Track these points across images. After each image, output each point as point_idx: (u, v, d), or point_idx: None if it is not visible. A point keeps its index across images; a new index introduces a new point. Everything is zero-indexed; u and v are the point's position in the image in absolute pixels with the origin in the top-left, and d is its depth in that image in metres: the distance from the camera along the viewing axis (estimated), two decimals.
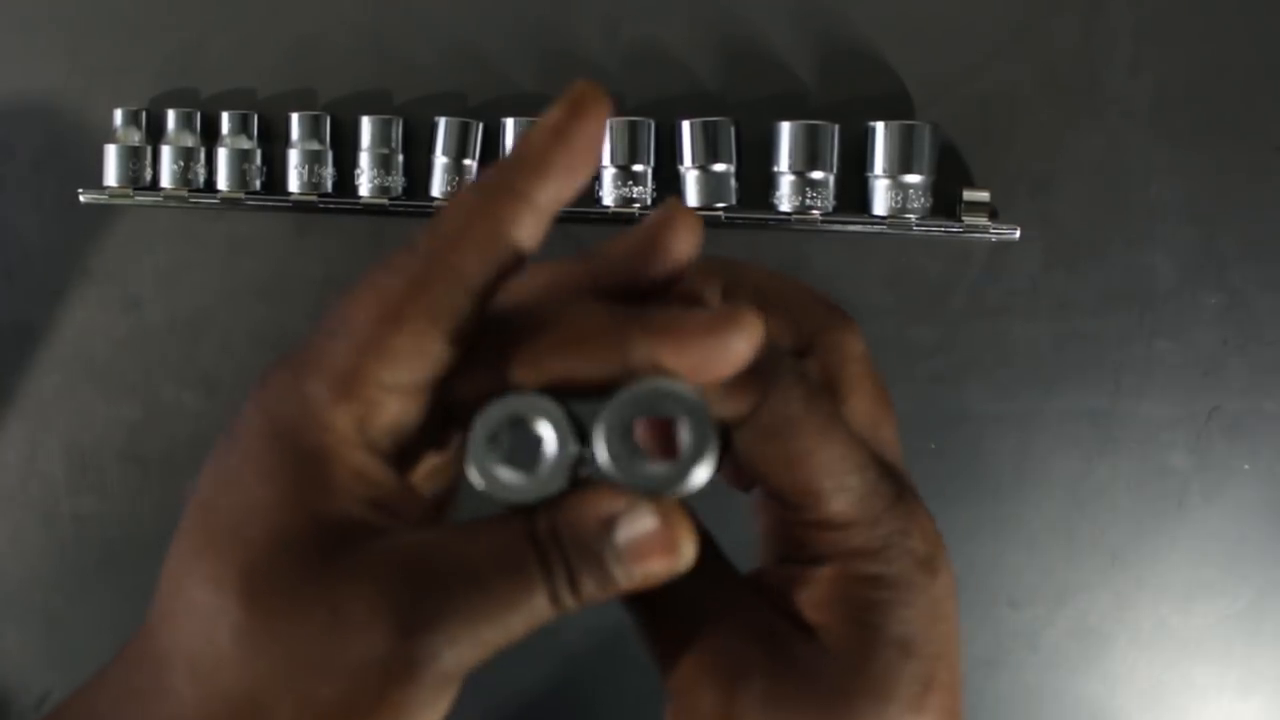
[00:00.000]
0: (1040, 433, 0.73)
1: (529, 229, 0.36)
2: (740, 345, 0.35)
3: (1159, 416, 0.72)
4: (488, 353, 0.37)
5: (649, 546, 0.35)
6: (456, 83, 0.75)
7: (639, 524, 0.35)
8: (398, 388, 0.35)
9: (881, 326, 0.73)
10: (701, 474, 0.35)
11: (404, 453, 0.37)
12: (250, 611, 0.34)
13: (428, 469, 0.40)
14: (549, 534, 0.35)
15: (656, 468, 0.34)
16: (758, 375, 0.37)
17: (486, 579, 0.34)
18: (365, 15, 0.75)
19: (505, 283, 0.37)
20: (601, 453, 0.34)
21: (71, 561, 0.80)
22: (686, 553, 0.35)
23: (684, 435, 0.34)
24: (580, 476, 0.36)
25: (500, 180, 0.36)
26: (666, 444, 0.38)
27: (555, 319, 0.36)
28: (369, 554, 0.34)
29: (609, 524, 0.35)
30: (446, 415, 0.38)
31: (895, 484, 0.38)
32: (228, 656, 0.34)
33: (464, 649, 0.34)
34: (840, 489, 0.37)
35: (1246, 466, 0.72)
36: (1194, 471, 0.72)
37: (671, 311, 0.36)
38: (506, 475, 0.35)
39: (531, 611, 0.35)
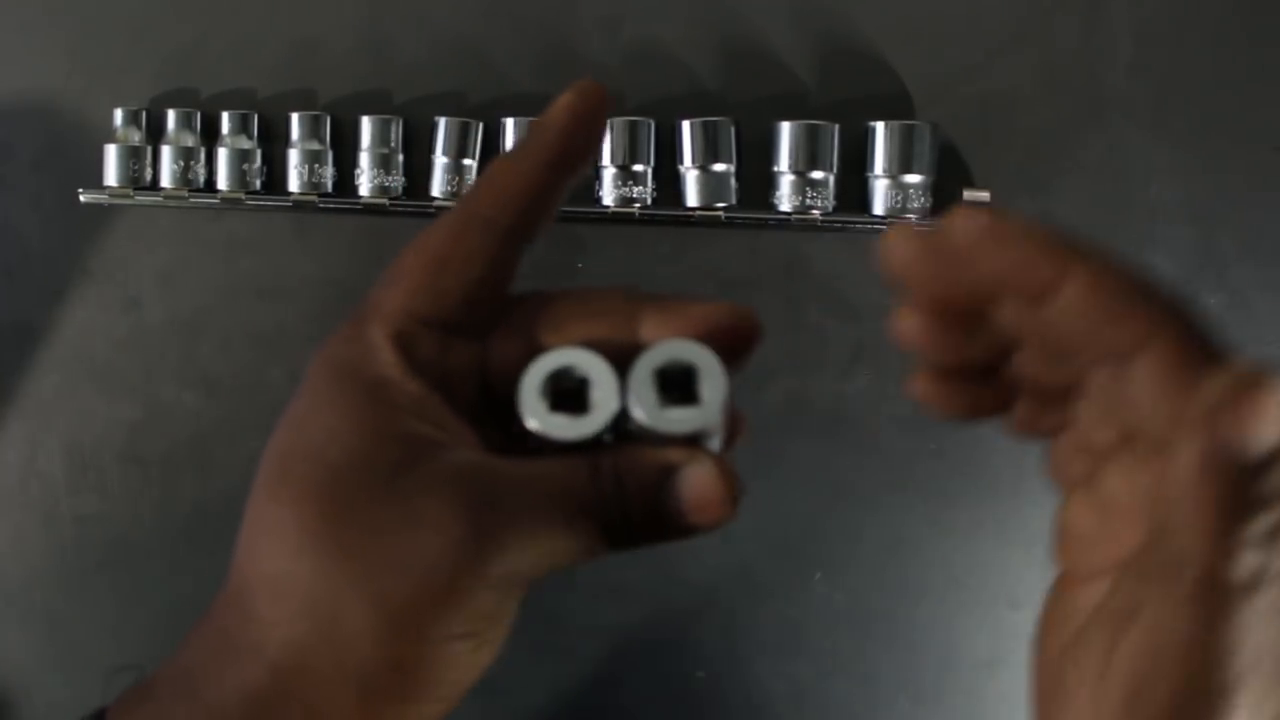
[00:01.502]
0: None
1: (550, 191, 0.42)
2: (742, 332, 0.40)
3: None
4: (519, 318, 0.42)
5: (704, 497, 0.38)
6: (456, 83, 0.75)
7: (699, 474, 0.38)
8: (443, 325, 0.40)
9: (883, 327, 0.72)
10: (717, 424, 0.39)
11: (458, 401, 0.41)
12: (327, 521, 0.37)
13: None
14: (611, 471, 0.38)
15: (682, 413, 0.38)
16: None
17: (550, 498, 0.38)
18: (365, 15, 0.75)
19: (534, 237, 0.42)
20: (633, 400, 0.38)
21: (72, 562, 0.80)
22: (732, 508, 0.39)
23: (704, 388, 0.38)
24: (622, 429, 0.40)
25: (524, 147, 0.42)
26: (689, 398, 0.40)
27: (579, 296, 0.42)
28: (440, 463, 0.38)
29: (669, 471, 0.38)
30: (485, 373, 0.42)
31: None
32: (306, 568, 0.37)
33: (527, 555, 0.37)
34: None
35: None
36: None
37: (684, 297, 0.41)
38: (557, 418, 0.39)
39: (588, 538, 0.38)
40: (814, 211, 0.70)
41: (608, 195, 0.72)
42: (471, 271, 0.40)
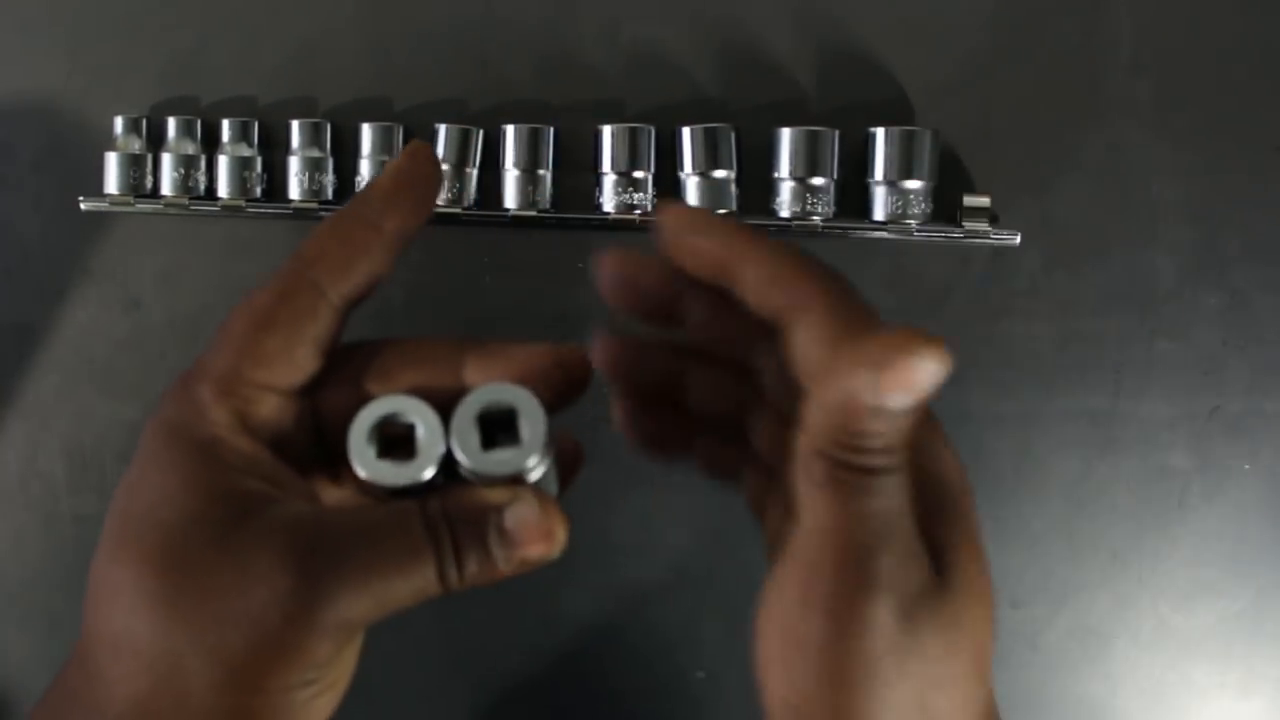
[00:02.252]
0: (1041, 433, 0.73)
1: (377, 252, 0.43)
2: (560, 374, 0.42)
3: (1159, 416, 0.72)
4: (348, 369, 0.43)
5: (528, 533, 0.40)
6: (457, 89, 0.75)
7: (521, 512, 0.40)
8: (270, 386, 0.41)
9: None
10: (539, 460, 0.41)
11: (289, 454, 0.43)
12: (163, 579, 0.38)
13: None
14: (439, 513, 0.40)
15: (502, 453, 0.40)
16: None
17: (380, 542, 0.39)
18: (365, 22, 0.75)
19: (361, 297, 0.44)
20: (455, 444, 0.40)
21: (72, 562, 0.80)
22: (560, 539, 0.41)
23: (523, 428, 0.40)
24: (452, 471, 0.42)
25: (354, 211, 0.43)
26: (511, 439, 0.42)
27: (405, 344, 0.44)
28: (269, 517, 0.39)
29: (495, 510, 0.40)
30: (317, 425, 0.44)
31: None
32: (146, 626, 0.38)
33: (358, 601, 0.38)
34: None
35: (1247, 466, 0.72)
36: (1194, 471, 0.72)
37: (505, 341, 0.43)
38: (385, 465, 0.40)
39: (421, 580, 0.39)
40: (814, 218, 0.70)
41: (608, 202, 0.72)
42: (296, 334, 0.41)
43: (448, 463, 0.41)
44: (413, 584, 0.39)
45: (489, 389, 0.40)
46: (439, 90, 0.75)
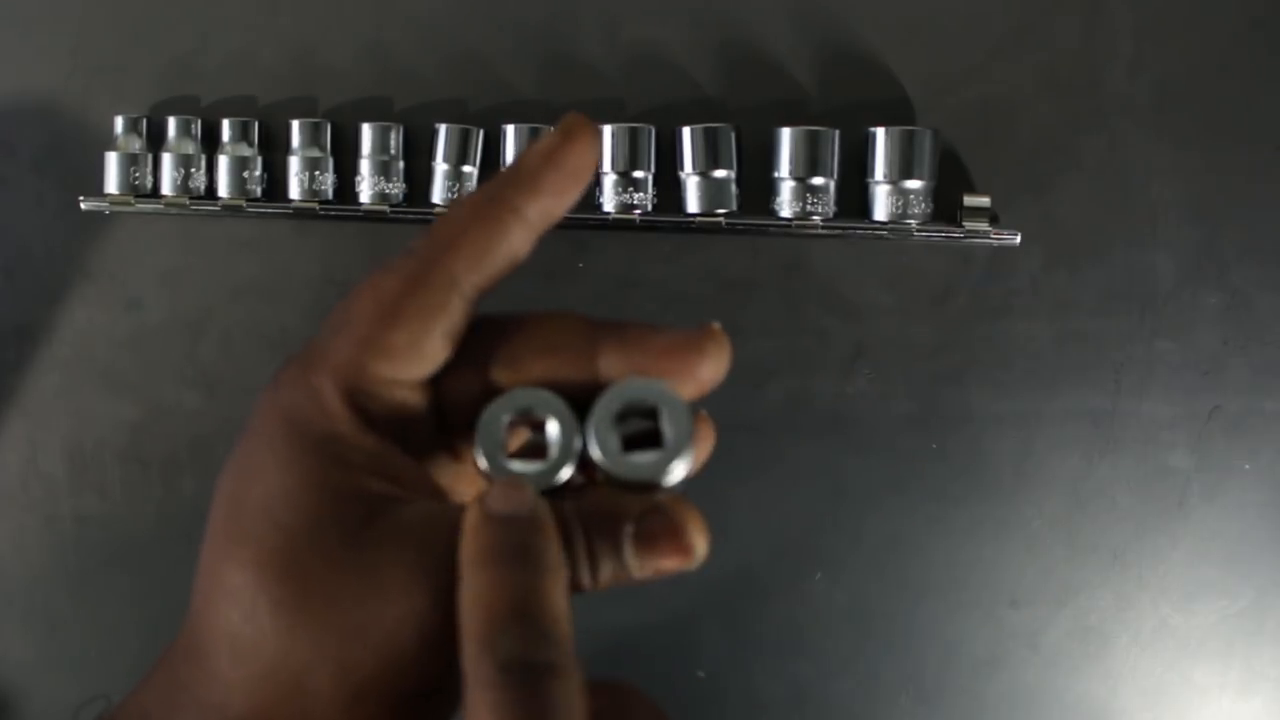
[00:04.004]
0: (1041, 432, 0.73)
1: (518, 240, 0.40)
2: (707, 364, 0.39)
3: (1160, 416, 0.72)
4: (475, 352, 0.40)
5: (665, 545, 0.37)
6: (457, 90, 0.75)
7: (659, 523, 0.37)
8: (396, 381, 0.39)
9: (883, 327, 0.73)
10: (682, 464, 0.38)
11: (412, 441, 0.40)
12: (287, 587, 0.36)
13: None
14: (574, 517, 0.37)
15: (643, 457, 0.37)
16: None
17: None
18: (365, 22, 0.75)
19: (494, 287, 0.40)
20: (593, 444, 0.37)
21: (72, 562, 0.80)
22: (699, 551, 0.38)
23: (666, 429, 0.37)
24: (582, 469, 0.39)
25: (496, 193, 0.40)
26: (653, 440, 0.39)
27: (536, 326, 0.40)
28: (398, 522, 0.37)
29: (632, 518, 0.37)
30: (441, 414, 0.41)
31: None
32: (268, 634, 0.36)
33: None
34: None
35: (1247, 466, 0.72)
36: (1194, 471, 0.72)
37: (644, 326, 0.40)
38: (515, 464, 0.38)
39: (558, 584, 0.36)
40: (815, 218, 0.70)
41: (608, 202, 0.72)
42: (426, 327, 0.39)
43: (582, 460, 0.39)
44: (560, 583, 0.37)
45: (630, 386, 0.38)
46: (439, 90, 0.75)
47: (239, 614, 0.36)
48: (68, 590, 0.81)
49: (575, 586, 0.37)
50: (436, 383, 0.41)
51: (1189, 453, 0.72)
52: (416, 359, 0.39)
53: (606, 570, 0.37)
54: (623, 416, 0.38)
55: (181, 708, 0.38)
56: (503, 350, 0.40)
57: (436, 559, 0.36)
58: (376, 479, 0.38)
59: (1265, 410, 0.71)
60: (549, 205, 0.40)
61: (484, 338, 0.41)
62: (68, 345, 0.79)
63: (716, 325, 0.40)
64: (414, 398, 0.40)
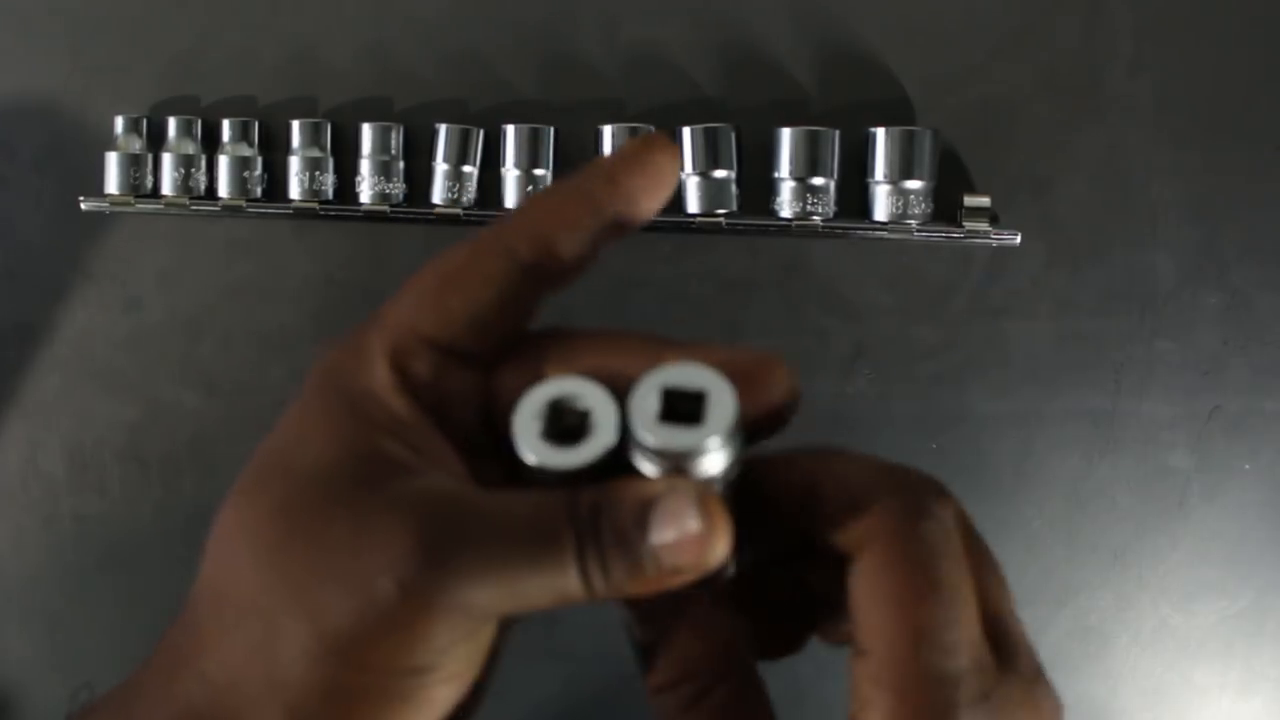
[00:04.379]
0: (1041, 432, 0.73)
1: (587, 230, 0.39)
2: (765, 388, 0.37)
3: (1160, 416, 0.72)
4: (531, 352, 0.39)
5: (680, 530, 0.35)
6: (457, 90, 0.75)
7: (673, 505, 0.35)
8: (443, 345, 0.38)
9: (883, 327, 0.73)
10: (720, 450, 0.36)
11: (451, 421, 0.39)
12: (276, 528, 0.35)
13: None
14: (589, 507, 0.36)
15: (680, 429, 0.35)
16: (878, 501, 0.37)
17: (518, 534, 0.35)
18: (366, 22, 0.75)
19: (562, 277, 0.39)
20: (633, 415, 0.35)
21: (72, 562, 0.80)
22: (718, 549, 0.35)
23: (709, 410, 0.35)
24: (621, 459, 0.37)
25: (573, 183, 0.39)
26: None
27: (600, 335, 0.39)
28: (403, 487, 0.35)
29: (647, 505, 0.35)
30: (488, 413, 0.40)
31: (1011, 658, 0.37)
32: (247, 572, 0.35)
33: (484, 589, 0.35)
34: (938, 652, 0.35)
35: (1247, 466, 0.72)
36: (1195, 471, 0.72)
37: (709, 343, 0.37)
38: (550, 447, 0.36)
39: (559, 579, 0.35)
40: (815, 218, 0.70)
41: None
42: (482, 295, 0.38)
43: (618, 453, 0.37)
44: (549, 582, 0.35)
45: (677, 367, 0.35)
46: (439, 90, 0.75)
47: (226, 557, 0.36)
48: (67, 590, 0.81)
49: (587, 589, 0.36)
50: (490, 381, 0.40)
51: (1189, 453, 0.72)
52: (470, 328, 0.38)
53: (618, 567, 0.35)
54: (669, 400, 0.36)
55: (165, 670, 0.37)
56: (558, 350, 0.39)
57: (435, 522, 0.35)
58: (398, 444, 0.37)
59: (1265, 410, 0.71)
60: (624, 202, 0.39)
61: (543, 344, 0.40)
62: (68, 345, 0.79)
63: (778, 359, 0.38)
64: (461, 376, 0.39)
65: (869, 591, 0.36)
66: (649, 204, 0.40)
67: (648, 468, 0.36)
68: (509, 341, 0.40)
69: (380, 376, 0.37)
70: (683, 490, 0.35)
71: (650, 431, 0.35)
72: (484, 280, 0.38)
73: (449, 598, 0.34)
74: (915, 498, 0.37)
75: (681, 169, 0.40)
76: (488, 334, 0.39)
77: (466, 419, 0.40)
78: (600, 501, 0.36)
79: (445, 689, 0.37)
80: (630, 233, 0.40)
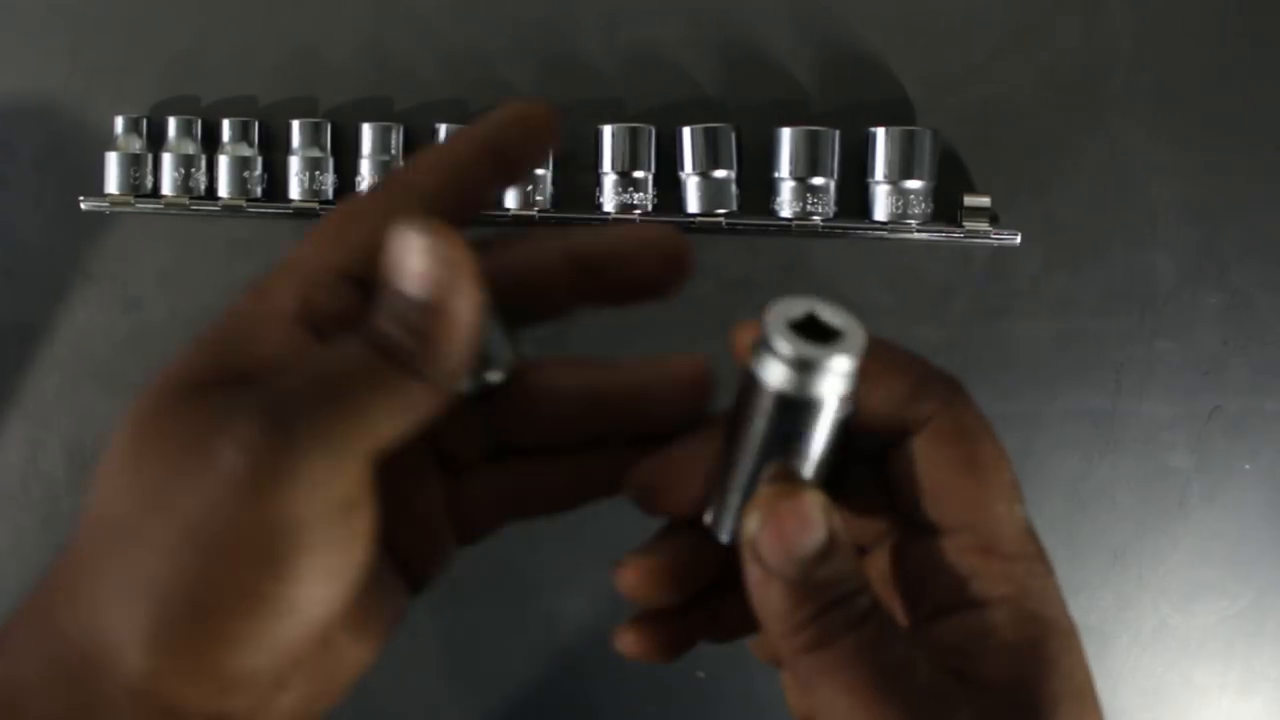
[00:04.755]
0: (1041, 432, 0.73)
1: (474, 168, 0.40)
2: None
3: (1160, 416, 0.72)
4: None
5: (433, 259, 0.36)
6: (457, 90, 0.75)
7: (403, 238, 0.36)
8: (351, 270, 0.38)
9: (883, 327, 0.72)
10: (853, 349, 0.36)
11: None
12: (135, 437, 0.35)
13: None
14: (373, 319, 0.36)
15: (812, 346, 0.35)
16: (932, 384, 0.38)
17: (339, 370, 0.35)
18: (366, 22, 0.75)
19: (461, 208, 0.40)
20: (767, 333, 0.35)
21: None
22: (456, 249, 0.36)
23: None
24: None
25: (460, 131, 0.41)
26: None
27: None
28: (247, 390, 0.35)
29: (391, 270, 0.36)
30: None
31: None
32: (113, 484, 0.35)
33: (339, 434, 0.34)
34: (1015, 504, 0.37)
35: (1247, 466, 0.72)
36: (1195, 471, 0.72)
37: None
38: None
39: (393, 389, 0.35)
40: (815, 218, 0.70)
41: (608, 202, 0.72)
42: (383, 226, 0.37)
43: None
44: (393, 400, 0.35)
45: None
46: (439, 90, 0.75)
47: (99, 478, 0.36)
48: None
49: (430, 389, 0.36)
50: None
51: (1189, 453, 0.72)
52: (368, 254, 0.38)
53: (409, 340, 0.36)
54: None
55: (50, 602, 0.36)
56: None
57: (268, 406, 0.34)
58: (267, 367, 0.36)
59: (1265, 410, 0.71)
60: (506, 146, 0.40)
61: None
62: (68, 345, 0.79)
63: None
64: (355, 294, 0.39)
65: (944, 463, 0.37)
66: (525, 156, 0.41)
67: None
68: None
69: (274, 305, 0.37)
70: (404, 226, 0.36)
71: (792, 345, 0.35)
72: (385, 214, 0.38)
73: (297, 450, 0.34)
74: (951, 379, 0.39)
75: (554, 130, 0.40)
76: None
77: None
78: (373, 307, 0.36)
79: (317, 587, 0.35)
80: (518, 181, 0.42)
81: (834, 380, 0.35)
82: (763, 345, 0.35)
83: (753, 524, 0.35)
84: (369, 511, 0.37)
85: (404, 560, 0.42)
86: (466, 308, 0.36)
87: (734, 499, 0.38)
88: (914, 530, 0.39)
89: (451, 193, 0.40)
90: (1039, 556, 0.38)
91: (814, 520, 0.35)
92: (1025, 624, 0.37)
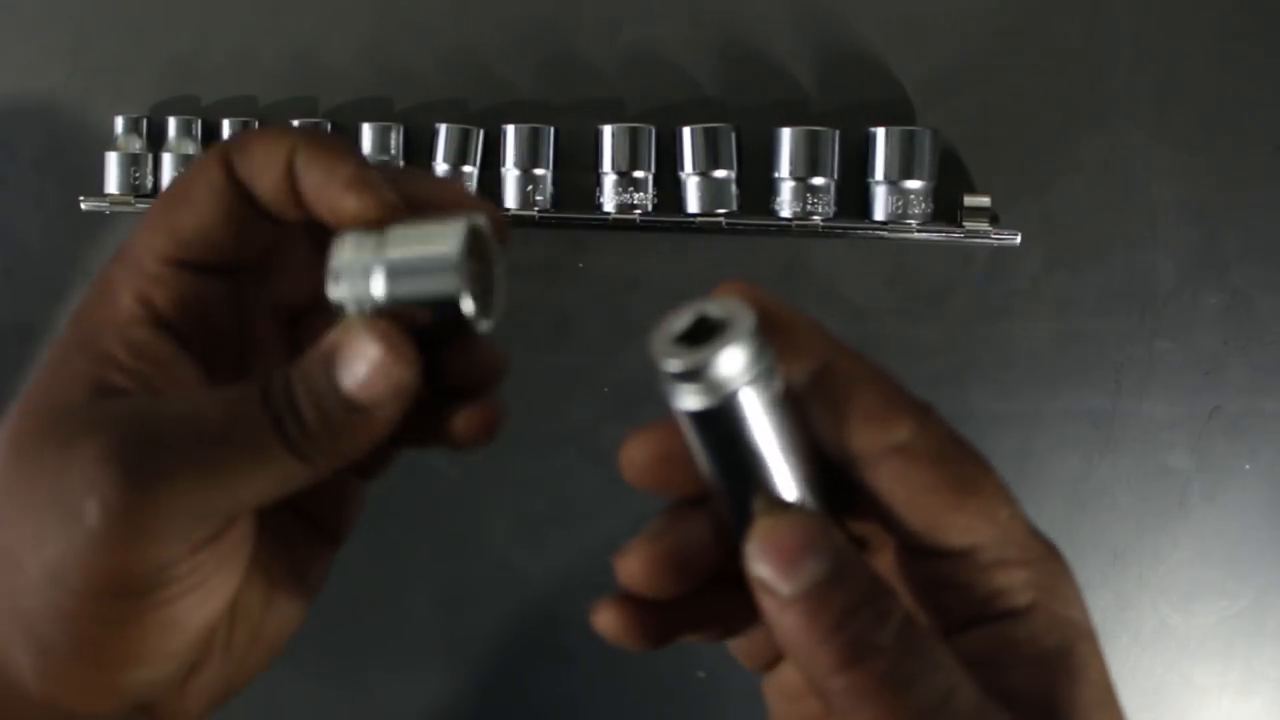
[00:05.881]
0: (1041, 432, 0.73)
1: (285, 148, 0.38)
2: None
3: (1160, 416, 0.72)
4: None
5: (371, 369, 0.35)
6: (457, 90, 0.75)
7: (351, 338, 0.36)
8: (185, 258, 0.38)
9: (883, 327, 0.73)
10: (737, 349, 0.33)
11: (207, 337, 0.40)
12: (7, 464, 0.35)
13: None
14: (282, 386, 0.36)
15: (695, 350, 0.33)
16: (907, 405, 0.36)
17: (217, 431, 0.35)
18: (366, 23, 0.75)
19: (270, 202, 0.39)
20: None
21: None
22: (405, 365, 0.36)
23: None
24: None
25: (281, 129, 0.40)
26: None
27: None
28: (103, 411, 0.35)
29: (330, 353, 0.36)
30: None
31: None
32: (2, 501, 0.36)
33: (196, 497, 0.34)
34: (1014, 507, 0.36)
35: (1247, 466, 0.72)
36: (1195, 471, 0.72)
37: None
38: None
39: (274, 464, 0.36)
40: (815, 217, 0.70)
41: (608, 202, 0.72)
42: (206, 207, 0.38)
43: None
44: (262, 468, 0.35)
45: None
46: (439, 90, 0.75)
47: None
48: None
49: (306, 464, 0.36)
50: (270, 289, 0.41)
51: (1189, 453, 0.72)
52: (199, 237, 0.38)
53: (317, 426, 0.36)
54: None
55: None
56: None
57: (132, 448, 0.34)
58: (121, 372, 0.37)
59: (1265, 410, 0.71)
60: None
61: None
62: None
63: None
64: (214, 287, 0.40)
65: (934, 486, 0.35)
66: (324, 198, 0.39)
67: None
68: (261, 250, 0.41)
69: (121, 309, 0.38)
70: (354, 323, 0.36)
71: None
72: (208, 193, 0.38)
73: (157, 510, 0.34)
74: (921, 401, 0.37)
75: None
76: (223, 243, 0.39)
77: (224, 324, 0.40)
78: (290, 374, 0.36)
79: (192, 604, 0.37)
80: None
81: (733, 374, 0.33)
82: (659, 374, 0.34)
83: (752, 560, 0.33)
84: (239, 530, 0.38)
85: (312, 521, 0.43)
86: (389, 425, 0.37)
87: (737, 531, 0.36)
88: (917, 551, 0.38)
89: (263, 171, 0.39)
90: (1053, 554, 0.36)
91: (812, 543, 0.33)
92: (1052, 631, 0.35)
